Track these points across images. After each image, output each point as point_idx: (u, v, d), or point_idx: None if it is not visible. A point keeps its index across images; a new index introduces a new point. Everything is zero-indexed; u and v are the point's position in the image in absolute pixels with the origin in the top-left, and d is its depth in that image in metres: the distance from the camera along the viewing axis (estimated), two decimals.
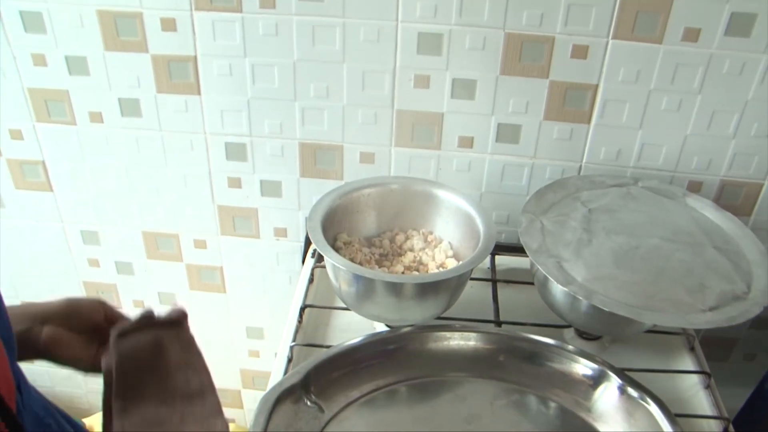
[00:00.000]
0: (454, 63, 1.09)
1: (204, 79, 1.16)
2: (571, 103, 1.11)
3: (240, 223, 1.32)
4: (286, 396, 0.82)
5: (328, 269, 0.98)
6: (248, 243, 1.35)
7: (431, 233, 1.08)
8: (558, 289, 0.94)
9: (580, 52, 1.06)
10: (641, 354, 1.04)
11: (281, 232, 1.32)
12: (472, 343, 0.95)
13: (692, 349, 1.05)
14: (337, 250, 1.02)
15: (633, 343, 1.05)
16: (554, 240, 0.98)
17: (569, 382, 0.91)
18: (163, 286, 1.45)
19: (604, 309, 0.86)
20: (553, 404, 0.90)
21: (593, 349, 1.04)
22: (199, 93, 1.17)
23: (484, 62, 1.09)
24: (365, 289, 0.93)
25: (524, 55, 1.07)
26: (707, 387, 0.98)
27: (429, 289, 0.93)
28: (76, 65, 1.16)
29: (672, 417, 0.83)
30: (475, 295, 1.11)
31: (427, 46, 1.08)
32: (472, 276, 1.08)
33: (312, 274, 1.14)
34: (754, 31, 1.02)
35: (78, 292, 1.48)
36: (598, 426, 0.87)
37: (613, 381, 0.88)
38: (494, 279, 1.13)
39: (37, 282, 1.47)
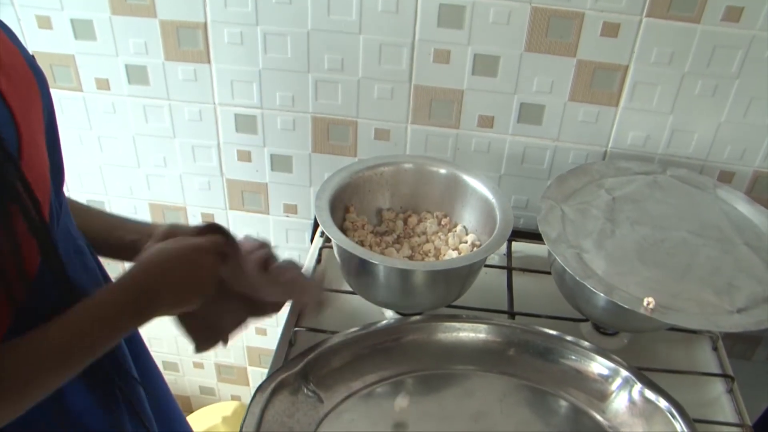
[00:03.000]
0: (476, 37, 1.03)
1: (214, 48, 1.11)
2: (599, 84, 1.05)
3: (249, 197, 1.28)
4: (283, 386, 0.78)
5: (335, 251, 0.94)
6: (257, 219, 1.31)
7: (446, 216, 1.03)
8: (576, 282, 0.89)
9: (610, 29, 1.00)
10: (661, 352, 0.99)
11: (291, 209, 1.28)
12: (482, 335, 0.90)
13: (715, 348, 1.00)
14: (345, 231, 0.98)
15: (653, 340, 1.00)
16: (575, 229, 0.92)
17: (583, 380, 0.86)
18: None
19: (625, 306, 0.81)
20: (565, 403, 0.85)
21: (611, 345, 0.99)
22: (208, 62, 1.13)
23: (508, 38, 1.03)
24: (372, 274, 0.89)
25: (551, 31, 1.01)
26: (729, 391, 0.93)
27: (439, 276, 0.88)
28: (82, 29, 1.11)
29: (691, 424, 0.78)
30: (488, 283, 1.06)
31: (449, 19, 1.02)
32: (487, 263, 1.04)
33: (320, 255, 1.10)
34: None
35: None
36: (612, 429, 0.82)
37: (630, 382, 0.83)
38: (510, 267, 1.08)
39: None
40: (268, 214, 1.29)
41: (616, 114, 1.08)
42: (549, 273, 0.98)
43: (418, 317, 0.90)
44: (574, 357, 0.88)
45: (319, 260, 1.09)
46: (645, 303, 0.81)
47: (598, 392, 0.85)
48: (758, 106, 1.04)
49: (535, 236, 1.00)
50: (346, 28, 1.05)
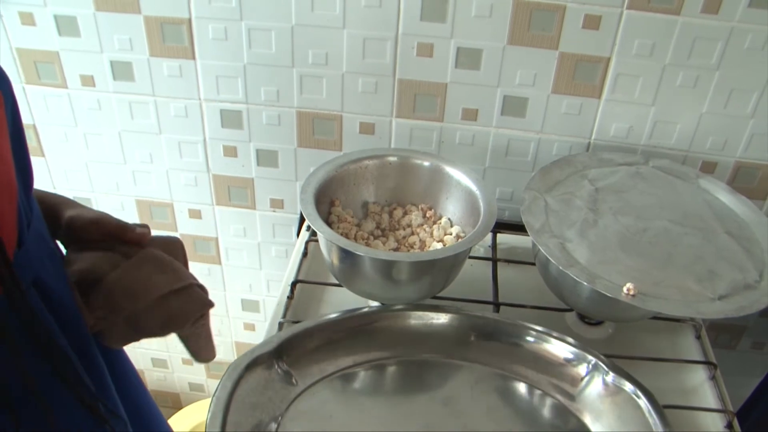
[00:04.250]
0: (459, 31, 1.04)
1: (198, 43, 1.11)
2: (582, 77, 1.06)
3: (235, 193, 1.28)
4: (257, 364, 0.78)
5: (321, 244, 0.94)
6: (244, 214, 1.31)
7: (431, 209, 1.04)
8: (559, 272, 0.90)
9: (592, 22, 1.01)
10: (645, 340, 1.00)
11: (277, 204, 1.28)
12: (455, 324, 0.90)
13: (698, 337, 1.01)
14: (330, 224, 0.98)
15: (637, 330, 1.01)
16: (558, 219, 0.93)
17: (554, 367, 0.87)
18: None
19: (607, 295, 0.82)
20: (537, 391, 0.86)
21: (595, 335, 1.00)
22: (193, 57, 1.13)
23: (490, 31, 1.03)
24: (357, 266, 0.89)
25: (533, 24, 1.02)
26: (712, 378, 0.94)
27: (424, 267, 0.89)
28: (66, 25, 1.11)
29: (659, 408, 0.79)
30: (474, 275, 1.07)
31: (432, 13, 1.03)
32: (472, 254, 1.05)
33: (306, 248, 1.10)
34: None
35: None
36: (582, 416, 0.83)
37: (601, 370, 0.84)
38: (495, 258, 1.08)
39: None
40: (255, 209, 1.30)
41: (599, 106, 1.08)
42: (534, 264, 0.99)
43: (393, 305, 0.91)
44: (545, 345, 0.88)
45: (305, 254, 1.09)
46: (625, 290, 0.81)
47: (568, 378, 0.86)
48: (738, 97, 1.05)
49: (519, 228, 1.00)
50: (330, 22, 1.06)
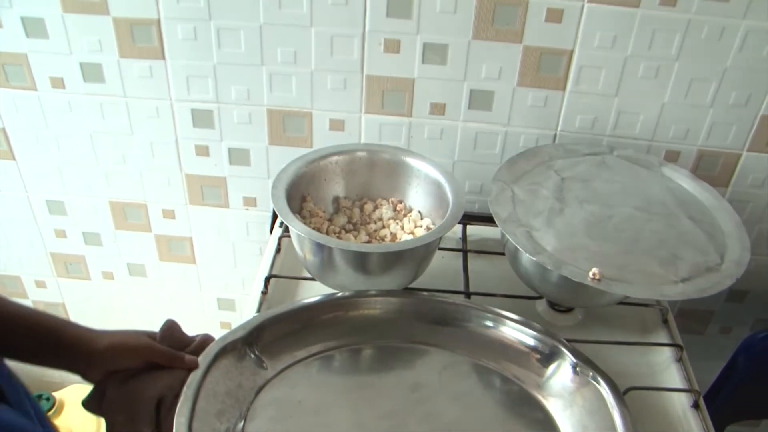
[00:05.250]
0: (424, 27, 1.06)
1: (168, 44, 1.12)
2: (546, 69, 1.08)
3: (209, 192, 1.29)
4: (227, 351, 0.78)
5: (293, 239, 0.95)
6: (217, 213, 1.32)
7: (401, 202, 1.06)
8: (528, 260, 0.92)
9: (554, 16, 1.03)
10: (614, 326, 1.02)
11: (251, 202, 1.29)
12: (425, 309, 0.91)
13: (665, 321, 1.03)
14: (302, 219, 0.99)
15: (606, 316, 1.03)
16: (525, 209, 0.95)
17: (523, 355, 0.88)
18: (133, 258, 1.42)
19: (574, 280, 0.84)
20: (504, 378, 0.87)
21: (565, 322, 1.02)
22: (163, 58, 1.13)
23: (455, 26, 1.05)
24: (329, 259, 0.90)
25: (497, 19, 1.04)
26: (679, 360, 0.96)
27: (394, 258, 0.90)
28: (34, 27, 1.11)
29: (620, 396, 0.80)
30: (445, 266, 1.08)
31: (397, 9, 1.05)
32: (443, 246, 1.06)
33: (279, 244, 1.11)
34: None
35: (46, 264, 1.44)
36: (548, 403, 0.84)
37: (567, 358, 0.85)
38: (465, 249, 1.10)
39: (4, 252, 1.44)
40: (228, 207, 1.30)
41: (564, 98, 1.11)
42: (503, 254, 1.01)
43: (364, 292, 0.92)
44: (513, 332, 0.89)
45: (278, 250, 1.11)
46: (591, 275, 0.84)
47: (535, 366, 0.87)
48: (698, 87, 1.08)
49: (489, 219, 1.02)
50: (298, 20, 1.07)
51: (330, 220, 1.03)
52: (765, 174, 1.16)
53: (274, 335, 0.85)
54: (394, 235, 1.01)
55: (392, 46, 1.08)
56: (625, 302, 0.99)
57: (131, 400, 0.69)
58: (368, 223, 1.03)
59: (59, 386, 1.61)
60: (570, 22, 1.03)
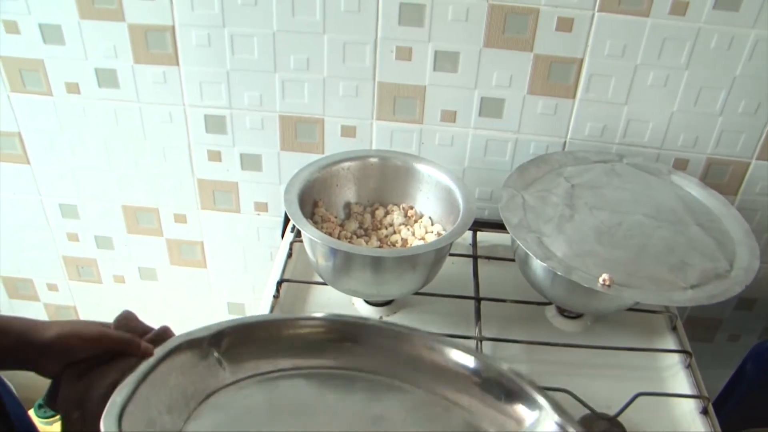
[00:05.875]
0: (436, 35, 1.07)
1: (182, 50, 1.13)
2: (556, 78, 1.09)
3: (220, 197, 1.30)
4: (191, 346, 0.73)
5: (305, 243, 0.96)
6: (228, 218, 1.33)
7: (411, 208, 1.07)
8: (538, 265, 0.93)
9: (565, 24, 1.04)
10: (623, 333, 1.03)
11: (262, 207, 1.30)
12: (406, 344, 0.81)
13: (674, 328, 1.04)
14: (314, 224, 1.00)
15: (615, 322, 1.04)
16: (535, 215, 0.96)
17: (499, 404, 0.76)
18: (144, 261, 1.43)
19: (584, 285, 0.85)
20: (477, 424, 0.75)
21: (574, 328, 1.03)
22: (177, 64, 1.15)
23: (467, 34, 1.06)
24: (342, 263, 0.91)
25: (508, 27, 1.05)
26: (688, 366, 0.97)
27: (406, 263, 0.91)
28: (51, 34, 1.13)
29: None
30: (455, 272, 1.09)
31: (409, 17, 1.06)
32: (453, 252, 1.07)
33: (291, 249, 1.12)
34: (743, 4, 1.00)
35: (58, 267, 1.46)
36: None
37: (549, 414, 0.72)
38: (475, 255, 1.11)
39: (16, 256, 1.45)
40: (240, 212, 1.32)
41: (574, 106, 1.12)
42: (513, 260, 1.02)
43: (349, 317, 0.84)
44: (493, 376, 0.77)
45: (290, 254, 1.12)
46: (601, 280, 0.84)
47: (514, 416, 0.75)
48: (708, 96, 1.08)
49: (499, 226, 1.03)
50: (311, 28, 1.08)
51: (341, 225, 1.04)
52: None
53: (241, 342, 0.78)
54: (405, 241, 1.02)
55: (404, 54, 1.09)
56: (633, 309, 0.99)
57: (84, 395, 0.65)
58: (379, 229, 1.04)
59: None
60: (580, 30, 1.04)
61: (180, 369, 0.72)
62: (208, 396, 0.74)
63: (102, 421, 0.61)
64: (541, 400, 0.73)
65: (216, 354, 0.76)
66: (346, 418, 0.76)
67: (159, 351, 0.71)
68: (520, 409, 0.75)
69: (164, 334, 0.73)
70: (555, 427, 0.72)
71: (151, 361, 0.69)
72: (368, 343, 0.82)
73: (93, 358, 0.68)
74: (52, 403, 0.67)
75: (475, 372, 0.78)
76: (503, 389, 0.76)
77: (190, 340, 0.74)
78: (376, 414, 0.77)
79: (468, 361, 0.79)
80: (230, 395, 0.75)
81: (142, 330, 0.73)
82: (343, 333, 0.82)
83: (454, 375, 0.79)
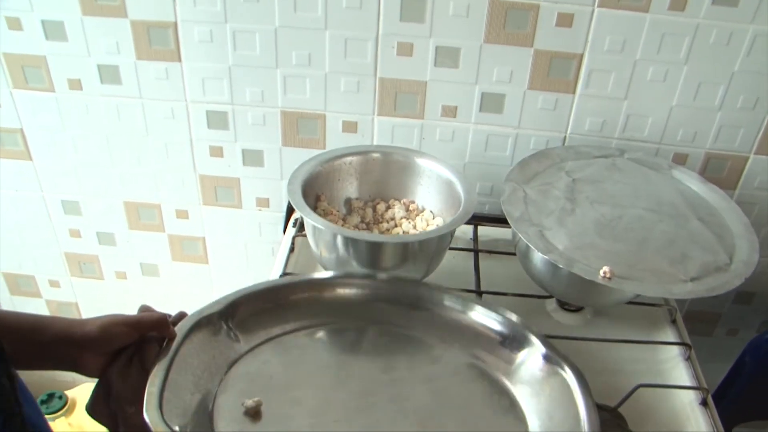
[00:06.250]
0: (437, 30, 1.08)
1: (184, 46, 1.14)
2: (556, 73, 1.10)
3: (222, 192, 1.31)
4: (203, 324, 0.79)
5: (308, 233, 0.97)
6: (230, 213, 1.34)
7: (413, 202, 1.07)
8: (539, 258, 0.93)
9: (565, 20, 1.05)
10: (623, 326, 1.03)
11: (263, 203, 1.31)
12: (401, 293, 0.92)
13: (674, 321, 1.05)
14: None
15: (615, 315, 1.05)
16: (537, 209, 0.97)
17: (491, 342, 0.88)
18: (146, 257, 1.44)
19: (585, 277, 0.85)
20: (474, 363, 0.86)
21: (575, 321, 1.03)
22: (179, 60, 1.15)
23: (468, 30, 1.07)
24: (344, 253, 0.92)
25: (509, 22, 1.06)
26: (687, 358, 0.98)
27: (408, 250, 0.92)
28: (53, 30, 1.14)
29: (587, 387, 0.79)
30: (456, 265, 1.10)
31: (410, 13, 1.06)
32: (454, 246, 1.08)
33: (293, 244, 1.13)
34: (742, 0, 1.00)
35: (60, 263, 1.46)
36: (515, 389, 0.83)
37: (535, 345, 0.84)
38: (476, 249, 1.12)
39: (18, 253, 1.46)
40: (241, 208, 1.32)
41: (574, 101, 1.12)
42: (514, 254, 1.02)
43: (343, 273, 0.93)
44: (487, 321, 0.89)
45: (292, 249, 1.12)
46: (601, 273, 0.85)
47: (505, 354, 0.87)
48: (706, 90, 1.09)
49: (500, 220, 1.04)
50: (312, 24, 1.09)
51: (344, 219, 1.04)
52: None
53: (249, 311, 0.85)
54: (406, 233, 1.02)
55: (405, 50, 1.10)
56: (634, 302, 1.00)
57: (138, 387, 0.68)
58: (381, 222, 1.05)
59: (71, 385, 1.63)
60: (580, 26, 1.05)
61: (199, 347, 0.77)
62: (229, 367, 0.79)
63: (145, 413, 0.65)
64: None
65: (228, 328, 0.82)
66: (359, 369, 0.84)
67: (178, 334, 0.75)
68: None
69: (181, 318, 0.77)
70: (541, 360, 0.83)
71: (173, 345, 0.73)
72: (362, 297, 0.92)
73: (129, 348, 0.71)
74: (97, 408, 0.70)
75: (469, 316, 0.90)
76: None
77: (201, 318, 0.79)
78: (384, 364, 0.85)
79: (462, 306, 0.91)
80: (249, 363, 0.81)
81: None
82: (338, 288, 0.92)
83: (447, 320, 0.90)
